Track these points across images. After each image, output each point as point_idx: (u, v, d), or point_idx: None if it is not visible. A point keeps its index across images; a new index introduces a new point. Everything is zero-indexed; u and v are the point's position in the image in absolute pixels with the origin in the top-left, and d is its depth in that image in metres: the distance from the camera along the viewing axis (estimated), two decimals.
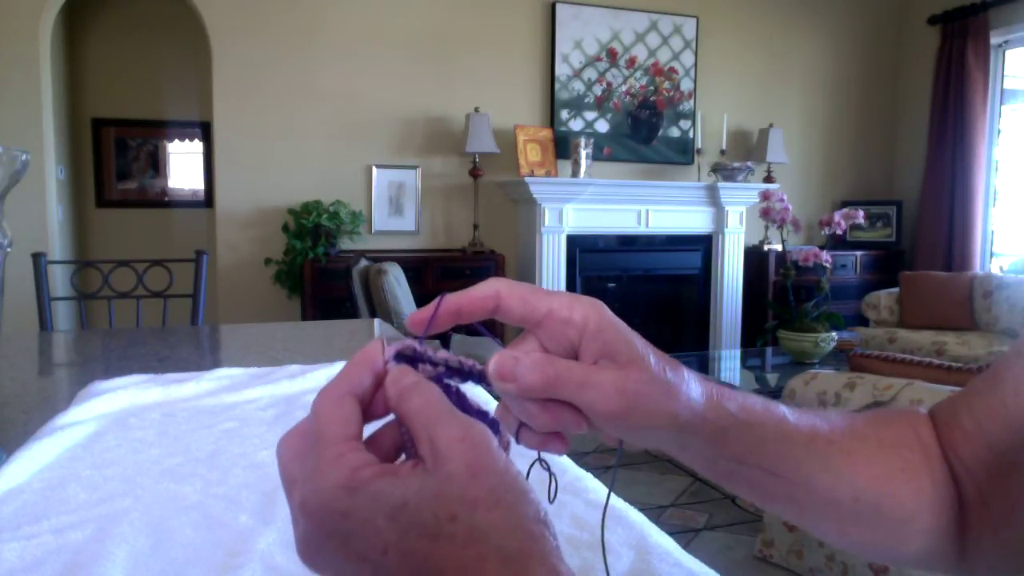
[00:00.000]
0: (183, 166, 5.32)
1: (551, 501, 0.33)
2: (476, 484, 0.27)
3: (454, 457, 0.27)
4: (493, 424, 0.33)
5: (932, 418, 0.42)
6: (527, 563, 0.26)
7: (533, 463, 0.35)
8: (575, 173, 4.41)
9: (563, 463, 0.73)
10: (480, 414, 0.31)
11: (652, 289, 4.93)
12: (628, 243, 4.72)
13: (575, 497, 0.64)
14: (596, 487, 0.67)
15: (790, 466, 0.38)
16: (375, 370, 0.32)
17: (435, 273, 4.20)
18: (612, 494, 0.66)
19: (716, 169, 4.79)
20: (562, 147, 4.57)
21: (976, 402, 0.40)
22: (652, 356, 0.34)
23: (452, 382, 0.32)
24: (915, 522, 0.38)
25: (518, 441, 0.35)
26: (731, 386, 0.38)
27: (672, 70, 4.91)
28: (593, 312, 0.34)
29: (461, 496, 0.27)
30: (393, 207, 4.42)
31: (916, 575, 1.91)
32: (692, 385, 0.35)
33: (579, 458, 3.25)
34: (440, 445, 0.28)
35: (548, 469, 0.35)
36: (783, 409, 0.39)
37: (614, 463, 0.35)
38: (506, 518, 0.27)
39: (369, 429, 0.32)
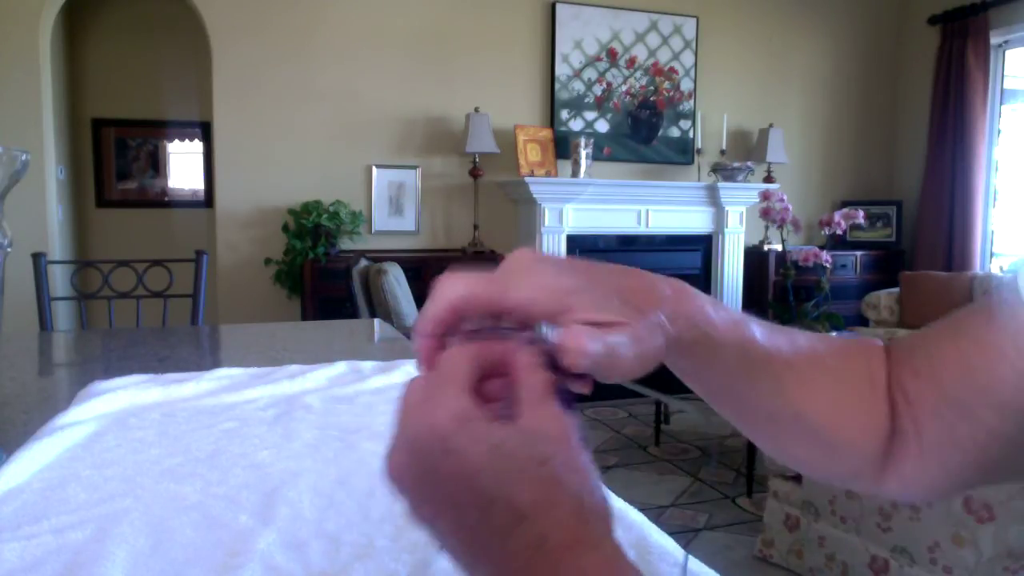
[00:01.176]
0: (183, 166, 5.32)
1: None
2: (564, 448, 0.31)
3: (550, 426, 0.32)
4: None
5: (888, 351, 0.45)
6: (593, 519, 0.30)
7: None
8: (575, 173, 4.41)
9: None
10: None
11: None
12: (628, 243, 4.72)
13: None
14: None
15: (742, 384, 0.42)
16: (504, 353, 0.34)
17: (435, 273, 4.11)
18: (613, 494, 0.66)
19: (716, 169, 4.79)
20: (562, 147, 4.57)
21: (934, 346, 0.43)
22: (617, 299, 0.36)
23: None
24: (848, 447, 0.43)
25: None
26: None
27: (672, 70, 4.91)
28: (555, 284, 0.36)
29: (552, 453, 0.31)
30: (393, 207, 4.42)
31: (913, 572, 1.91)
32: (665, 306, 0.37)
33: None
34: (540, 414, 0.32)
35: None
36: (753, 328, 0.42)
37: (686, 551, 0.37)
38: (582, 483, 0.31)
39: None
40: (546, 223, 4.38)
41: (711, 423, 3.61)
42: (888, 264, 5.21)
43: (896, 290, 4.70)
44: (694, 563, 0.54)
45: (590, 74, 4.72)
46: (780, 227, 3.50)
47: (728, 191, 4.72)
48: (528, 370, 0.34)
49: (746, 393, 0.42)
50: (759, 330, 0.42)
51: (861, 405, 0.43)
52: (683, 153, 4.97)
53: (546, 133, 4.57)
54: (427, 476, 0.31)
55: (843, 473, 0.44)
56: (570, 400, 0.35)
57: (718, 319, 0.40)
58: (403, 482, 0.32)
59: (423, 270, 4.15)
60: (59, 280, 3.52)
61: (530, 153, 4.45)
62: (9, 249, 0.76)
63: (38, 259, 2.11)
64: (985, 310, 0.42)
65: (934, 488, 0.43)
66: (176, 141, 5.28)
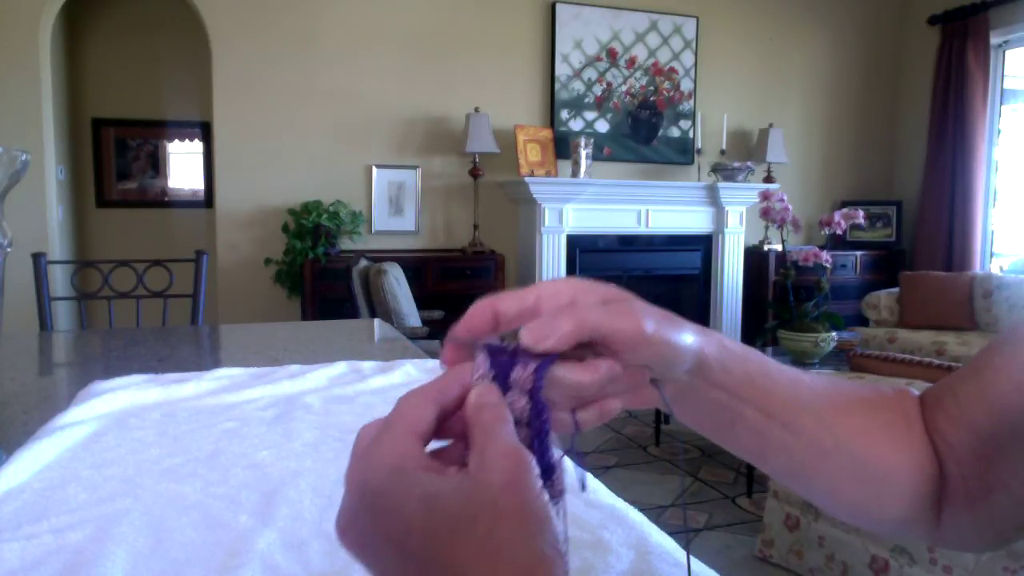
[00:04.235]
0: (183, 166, 5.32)
1: (583, 490, 0.35)
2: (507, 497, 0.28)
3: (495, 469, 0.29)
4: (547, 469, 0.33)
5: (921, 400, 0.44)
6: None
7: (563, 454, 0.37)
8: (575, 173, 4.41)
9: (564, 463, 0.72)
10: (548, 467, 0.32)
11: (652, 289, 4.93)
12: (628, 243, 4.73)
13: (575, 497, 0.64)
14: (597, 487, 0.67)
15: (778, 404, 0.40)
16: (465, 388, 0.33)
17: (435, 273, 4.19)
18: (614, 496, 0.66)
19: (716, 169, 4.79)
20: (562, 147, 4.57)
21: (959, 387, 0.42)
22: (641, 303, 0.37)
23: (548, 412, 0.33)
24: (893, 480, 0.41)
25: (577, 426, 0.36)
26: None
27: (672, 70, 4.91)
28: (579, 282, 0.37)
29: (491, 503, 0.28)
30: (393, 207, 4.42)
31: (913, 573, 1.91)
32: (687, 325, 0.38)
33: (579, 458, 3.24)
34: (487, 457, 0.30)
35: (579, 457, 0.36)
36: (766, 359, 0.41)
37: (680, 499, 0.36)
38: (525, 536, 0.28)
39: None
40: (546, 223, 4.38)
41: None
42: (888, 264, 5.21)
43: (896, 290, 4.70)
44: (694, 563, 0.54)
45: (590, 74, 4.72)
46: (780, 227, 3.50)
47: (728, 191, 4.73)
48: (475, 408, 0.32)
49: (784, 418, 0.40)
50: (771, 360, 0.41)
51: (899, 438, 0.41)
52: (683, 153, 4.97)
53: (546, 133, 4.57)
54: (367, 536, 0.29)
55: (897, 516, 0.41)
56: (542, 431, 0.33)
57: (730, 340, 0.39)
58: (349, 542, 0.31)
59: (423, 270, 4.16)
60: (59, 280, 3.52)
61: (530, 153, 4.45)
62: (9, 249, 0.76)
63: (38, 259, 2.11)
64: (999, 342, 0.42)
65: (991, 532, 0.42)
66: (176, 141, 5.27)
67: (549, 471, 0.33)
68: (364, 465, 0.30)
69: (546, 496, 0.30)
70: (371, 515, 0.29)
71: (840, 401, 0.41)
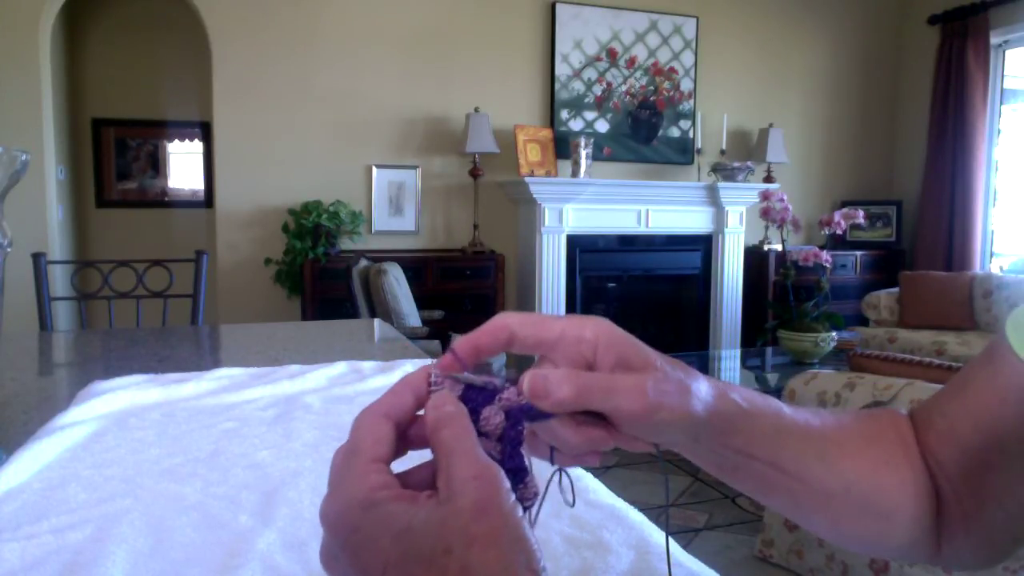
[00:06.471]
0: (183, 166, 5.32)
1: (571, 505, 0.34)
2: (479, 522, 0.28)
3: (465, 493, 0.29)
4: (519, 471, 0.33)
5: (912, 419, 0.44)
6: None
7: (552, 475, 0.36)
8: (575, 173, 4.41)
9: (532, 465, 0.72)
10: (521, 469, 0.32)
11: (652, 289, 4.94)
12: (628, 243, 4.72)
13: (575, 497, 0.64)
14: (597, 487, 0.67)
15: (788, 457, 0.40)
16: (418, 394, 0.33)
17: (435, 273, 4.19)
18: (614, 496, 0.66)
19: (716, 169, 4.79)
20: (562, 147, 4.57)
21: (946, 405, 0.43)
22: (661, 359, 0.36)
23: (523, 423, 0.33)
24: (899, 513, 0.41)
25: (552, 462, 0.36)
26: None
27: (672, 70, 4.91)
28: (603, 327, 0.36)
29: (462, 531, 0.28)
30: (393, 207, 4.42)
31: (913, 572, 1.91)
32: (701, 381, 0.37)
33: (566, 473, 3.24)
34: (454, 480, 0.29)
35: (568, 476, 0.36)
36: (779, 403, 0.41)
37: (664, 502, 0.36)
38: (498, 560, 0.28)
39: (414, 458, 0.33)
40: (546, 223, 4.38)
41: None
42: (888, 264, 5.21)
43: (896, 290, 4.70)
44: (694, 563, 0.54)
45: (590, 74, 4.72)
46: (780, 227, 3.50)
47: (728, 191, 4.73)
48: (434, 427, 0.31)
49: (793, 469, 0.40)
50: (784, 405, 0.41)
51: (901, 468, 0.41)
52: (683, 153, 4.97)
53: (546, 133, 4.57)
54: (347, 572, 0.30)
55: (902, 544, 0.42)
56: (516, 440, 0.32)
57: (744, 392, 0.39)
58: (335, 575, 0.31)
59: (423, 270, 4.16)
60: (59, 280, 3.52)
61: (530, 153, 4.45)
62: (9, 249, 0.76)
63: (38, 259, 2.11)
64: (982, 357, 0.42)
65: (988, 547, 0.42)
66: (176, 141, 5.28)
67: (521, 474, 0.32)
68: (333, 500, 0.30)
69: (520, 511, 0.29)
70: (348, 553, 0.29)
71: (844, 439, 0.41)
